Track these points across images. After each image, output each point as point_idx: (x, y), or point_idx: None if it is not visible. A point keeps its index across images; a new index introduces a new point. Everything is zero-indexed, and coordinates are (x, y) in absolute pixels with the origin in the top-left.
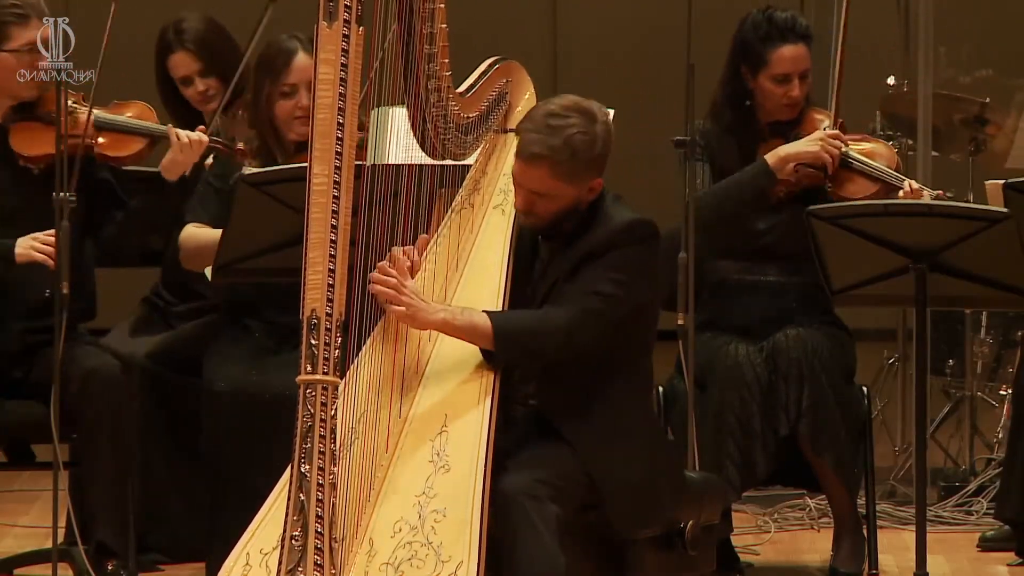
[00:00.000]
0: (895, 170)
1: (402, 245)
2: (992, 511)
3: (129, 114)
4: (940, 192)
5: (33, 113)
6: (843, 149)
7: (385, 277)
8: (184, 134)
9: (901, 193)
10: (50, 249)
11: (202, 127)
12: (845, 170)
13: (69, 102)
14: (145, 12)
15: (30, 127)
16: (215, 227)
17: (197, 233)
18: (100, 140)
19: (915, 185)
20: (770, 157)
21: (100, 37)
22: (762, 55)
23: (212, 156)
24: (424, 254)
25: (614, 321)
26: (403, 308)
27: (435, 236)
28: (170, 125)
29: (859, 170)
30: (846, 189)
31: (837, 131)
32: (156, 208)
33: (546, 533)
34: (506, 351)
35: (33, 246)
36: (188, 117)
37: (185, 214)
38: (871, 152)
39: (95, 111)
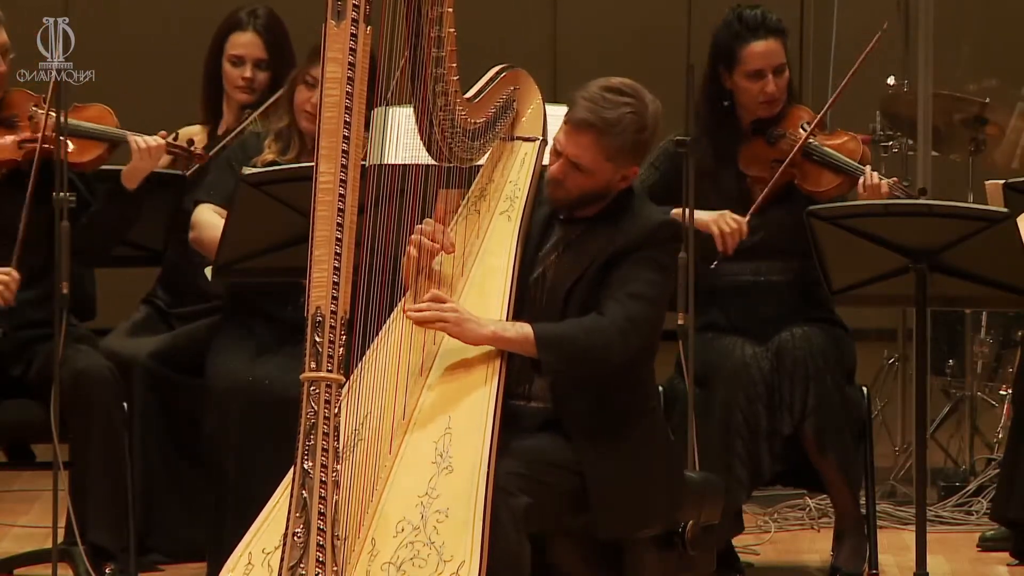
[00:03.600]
0: (859, 161)
1: (404, 246)
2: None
3: (88, 116)
4: (895, 180)
5: None
6: (810, 141)
7: (420, 307)
8: (143, 140)
9: (861, 181)
10: (0, 287)
11: (163, 132)
12: (810, 163)
13: (31, 106)
14: (144, 13)
15: None
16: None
17: (213, 222)
18: (71, 147)
19: (875, 177)
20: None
21: (100, 37)
22: (734, 53)
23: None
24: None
25: (658, 323)
26: (450, 323)
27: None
28: (128, 132)
29: (822, 162)
30: (811, 182)
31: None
32: (117, 215)
33: (510, 524)
34: (558, 361)
35: None
36: (215, 108)
37: (199, 192)
38: (838, 145)
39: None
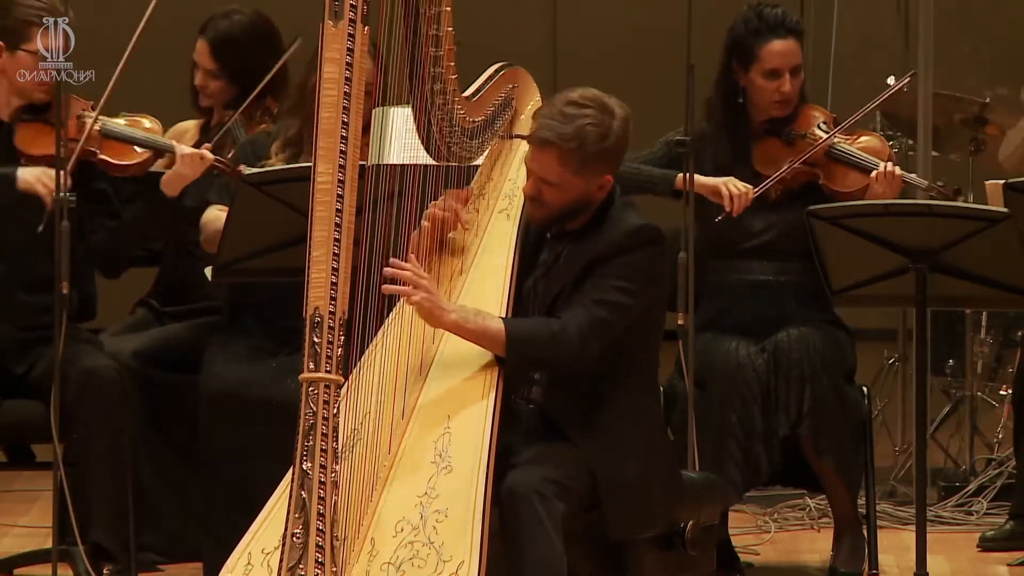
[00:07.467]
0: (886, 160)
1: (404, 245)
2: (992, 511)
3: (147, 125)
4: (914, 175)
5: (42, 115)
6: (833, 142)
7: (402, 266)
8: (189, 150)
9: (874, 174)
10: (52, 186)
11: (207, 145)
12: (835, 163)
13: (79, 109)
14: (143, 13)
15: (36, 128)
16: None
17: (220, 216)
18: (102, 150)
19: (890, 167)
20: (679, 180)
21: (100, 37)
22: (752, 50)
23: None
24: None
25: (623, 329)
26: (419, 299)
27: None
28: (174, 142)
29: (847, 162)
30: (837, 182)
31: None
32: (150, 221)
33: (552, 530)
34: (517, 359)
35: (39, 178)
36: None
37: (211, 192)
38: (864, 146)
39: (109, 121)
